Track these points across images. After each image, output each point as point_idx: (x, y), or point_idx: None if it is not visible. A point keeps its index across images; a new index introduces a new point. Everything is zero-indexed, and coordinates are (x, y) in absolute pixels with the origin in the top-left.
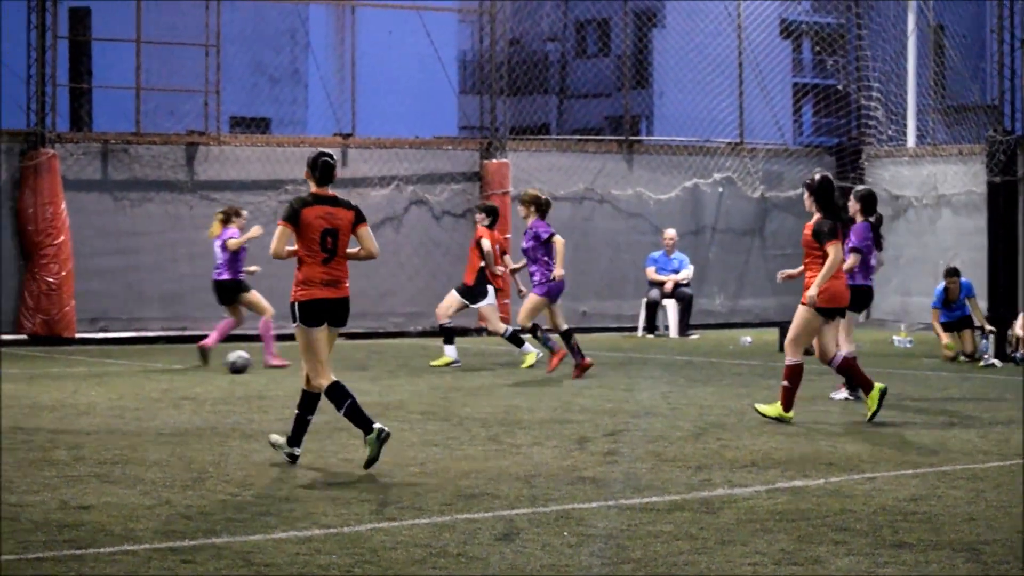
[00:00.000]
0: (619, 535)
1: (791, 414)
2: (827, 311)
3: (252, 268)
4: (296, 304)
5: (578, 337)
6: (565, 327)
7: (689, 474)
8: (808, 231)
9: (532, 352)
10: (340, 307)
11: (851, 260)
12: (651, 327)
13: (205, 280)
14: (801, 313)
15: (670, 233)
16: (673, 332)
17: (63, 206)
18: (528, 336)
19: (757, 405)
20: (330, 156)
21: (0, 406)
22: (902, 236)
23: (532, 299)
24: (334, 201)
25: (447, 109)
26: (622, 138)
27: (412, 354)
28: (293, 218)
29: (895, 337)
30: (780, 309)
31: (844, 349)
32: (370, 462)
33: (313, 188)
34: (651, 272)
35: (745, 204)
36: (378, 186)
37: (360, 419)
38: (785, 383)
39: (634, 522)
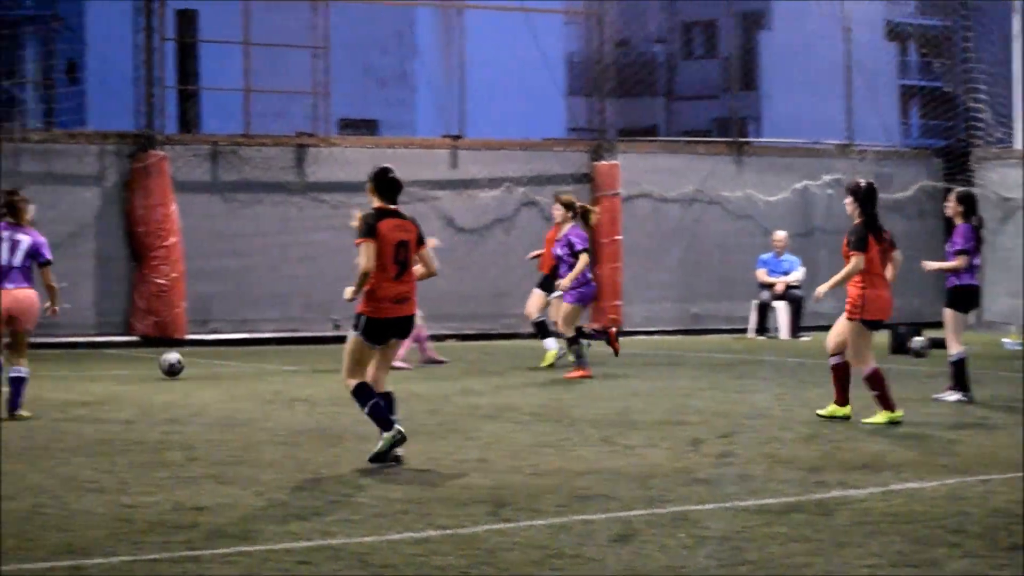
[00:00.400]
0: (735, 537)
1: (899, 412)
2: (872, 323)
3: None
4: (364, 318)
5: (688, 339)
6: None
7: (803, 476)
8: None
9: (554, 351)
10: (406, 323)
11: (958, 261)
12: (762, 329)
13: (315, 282)
14: (849, 328)
15: (780, 235)
16: (784, 334)
17: (173, 208)
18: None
19: (863, 420)
20: (394, 171)
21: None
22: (1011, 238)
23: (566, 308)
24: (401, 215)
25: (554, 111)
26: (732, 139)
27: (524, 356)
28: (373, 232)
29: (1005, 340)
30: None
31: (954, 350)
32: (376, 456)
33: (378, 203)
34: (762, 274)
35: None
36: (488, 188)
37: (380, 419)
38: (874, 394)
39: (749, 524)
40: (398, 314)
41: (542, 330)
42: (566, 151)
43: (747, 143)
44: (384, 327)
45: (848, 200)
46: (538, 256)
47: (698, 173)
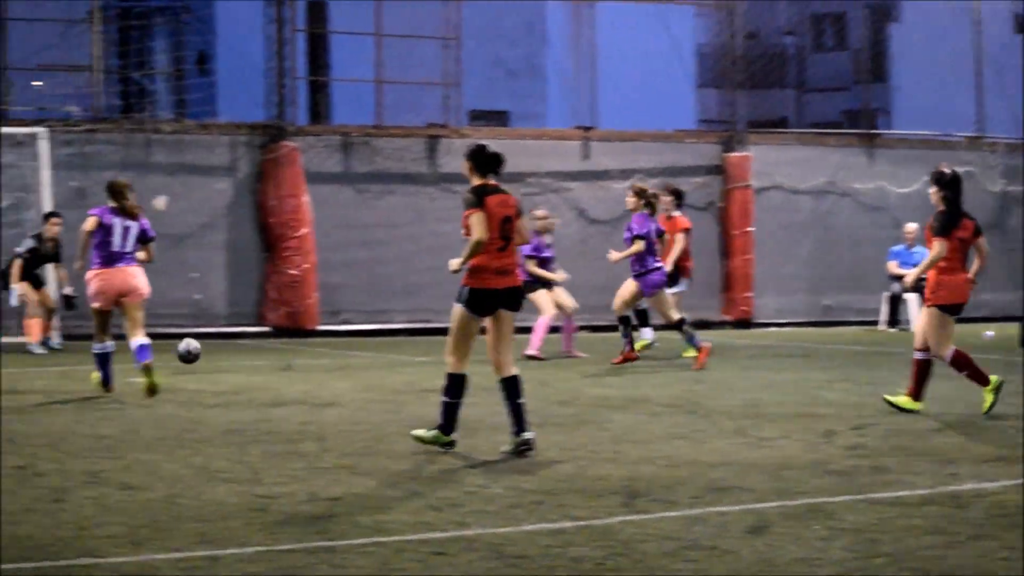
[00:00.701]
0: (869, 529)
1: (995, 378)
2: (950, 307)
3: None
4: (467, 289)
5: (820, 331)
6: (625, 314)
7: (936, 468)
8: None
9: (647, 340)
10: (513, 295)
11: None
12: (893, 321)
13: (446, 272)
14: (929, 314)
15: (911, 227)
16: (915, 326)
17: (305, 198)
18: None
19: (984, 409)
20: (490, 147)
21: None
22: None
23: (662, 294)
24: (502, 190)
25: (685, 102)
26: (863, 132)
27: (660, 347)
28: (481, 204)
29: None
30: (1022, 303)
31: None
32: (418, 438)
33: (477, 180)
34: (893, 266)
35: (985, 198)
36: (620, 179)
37: (449, 418)
38: (964, 374)
39: (884, 516)
40: (502, 285)
41: (641, 318)
42: (698, 143)
43: (878, 135)
44: (488, 297)
45: (932, 189)
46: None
47: (829, 165)
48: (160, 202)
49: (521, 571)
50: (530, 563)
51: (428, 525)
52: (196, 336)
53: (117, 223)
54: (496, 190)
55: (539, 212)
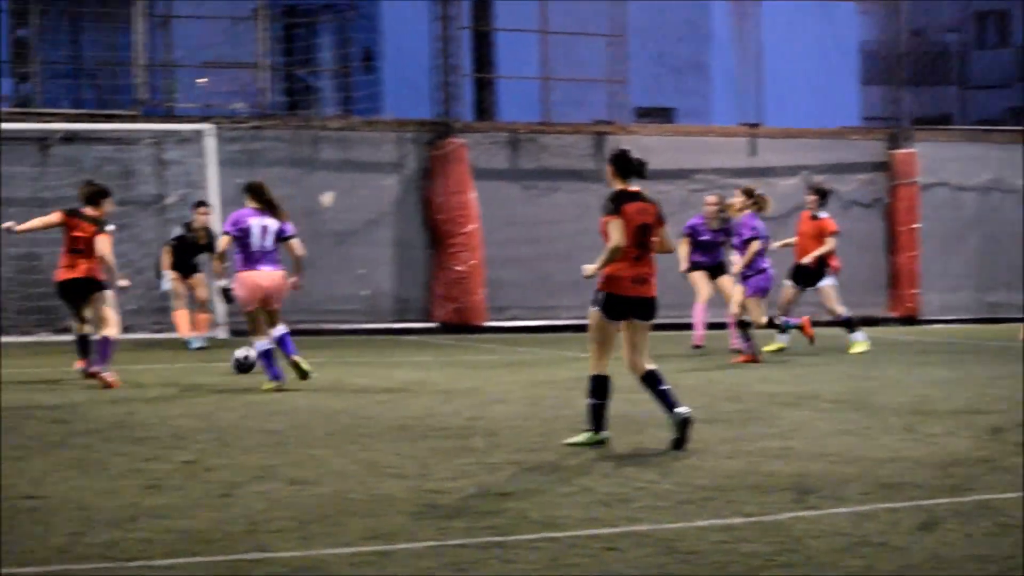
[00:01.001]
0: None
1: None
2: None
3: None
4: (603, 294)
5: (985, 328)
6: (743, 317)
7: None
8: None
9: (863, 342)
10: (646, 305)
11: None
12: None
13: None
14: None
15: None
16: None
17: (472, 195)
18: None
19: None
20: (632, 152)
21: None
22: None
23: (749, 301)
24: (643, 197)
25: (849, 99)
26: None
27: (827, 344)
28: (619, 211)
29: None
30: None
31: None
32: (573, 444)
33: (619, 185)
34: None
35: None
36: (786, 176)
37: (596, 418)
38: None
39: None
40: (637, 294)
41: (849, 323)
42: (863, 140)
43: None
44: (623, 304)
45: None
46: (789, 244)
47: (994, 162)
48: (327, 198)
49: (692, 567)
50: (701, 559)
51: (598, 520)
52: (363, 332)
53: (255, 224)
54: (636, 197)
55: (709, 198)
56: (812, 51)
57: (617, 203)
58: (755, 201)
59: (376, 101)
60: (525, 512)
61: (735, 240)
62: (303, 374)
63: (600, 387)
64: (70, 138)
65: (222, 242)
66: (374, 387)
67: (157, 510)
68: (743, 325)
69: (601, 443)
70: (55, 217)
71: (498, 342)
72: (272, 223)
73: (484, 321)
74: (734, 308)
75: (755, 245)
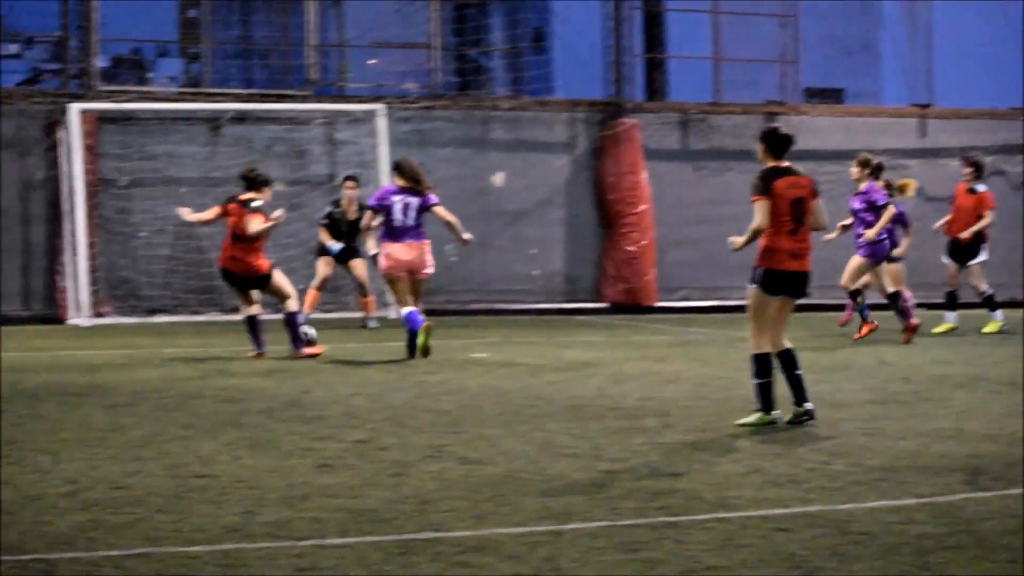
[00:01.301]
0: None
1: None
2: None
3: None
4: (761, 270)
5: None
6: (891, 290)
7: None
8: None
9: (997, 321)
10: (802, 280)
11: None
12: None
13: None
14: None
15: None
16: None
17: (644, 175)
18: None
19: None
20: (783, 129)
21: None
22: None
23: (855, 261)
24: (795, 172)
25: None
26: None
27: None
28: (768, 190)
29: None
30: None
31: None
32: (744, 425)
33: (770, 162)
34: None
35: None
36: (955, 157)
37: (764, 398)
38: None
39: None
40: (794, 268)
41: (949, 299)
42: None
43: None
44: (780, 279)
45: None
46: (947, 223)
47: None
48: (498, 179)
49: (863, 548)
50: (872, 540)
51: (770, 501)
52: (534, 312)
53: (397, 201)
54: (788, 172)
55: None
56: (983, 32)
57: (767, 181)
58: (871, 171)
59: (547, 81)
60: (697, 492)
61: (854, 205)
62: (425, 350)
63: (765, 366)
64: (241, 118)
65: (367, 217)
66: (546, 367)
67: (328, 489)
68: (856, 293)
69: (772, 423)
70: (214, 211)
71: (668, 322)
72: (414, 200)
73: (655, 302)
74: (888, 286)
75: (890, 210)
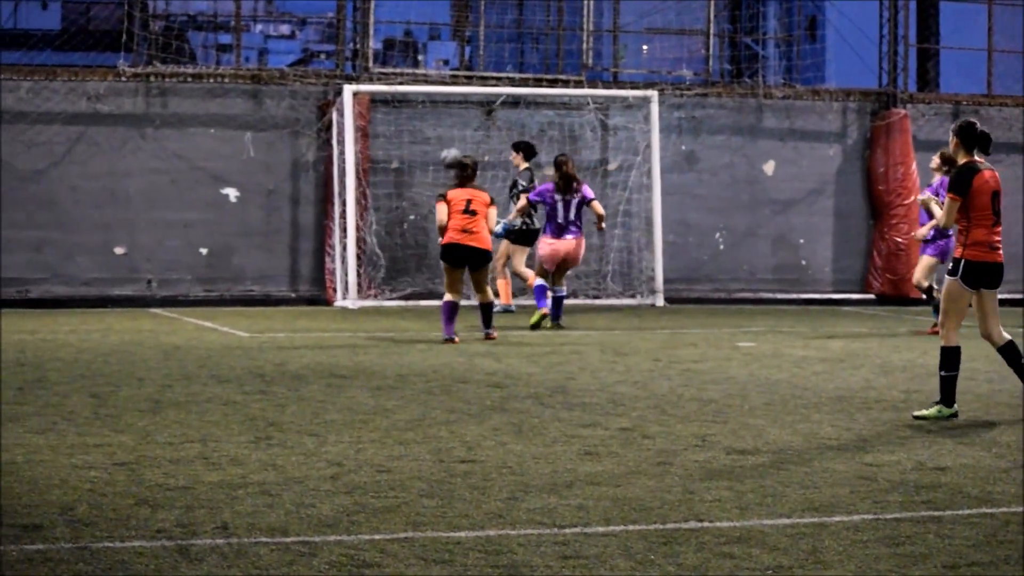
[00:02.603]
0: None
1: None
2: None
3: None
4: (962, 261)
5: None
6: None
7: None
8: None
9: None
10: (998, 271)
11: None
12: None
13: None
14: None
15: None
16: None
17: (914, 167)
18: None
19: None
20: (979, 124)
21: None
22: None
23: (924, 259)
24: (987, 165)
25: None
26: None
27: None
28: (966, 185)
29: None
30: None
31: None
32: (921, 417)
33: (964, 158)
34: None
35: None
36: None
37: (947, 391)
38: None
39: None
40: (992, 259)
41: None
42: None
43: None
44: (980, 272)
45: None
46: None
47: None
48: (768, 167)
49: None
50: None
51: None
52: (800, 302)
53: (559, 200)
54: (983, 167)
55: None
56: None
57: (965, 176)
58: (949, 169)
59: (819, 70)
60: (962, 487)
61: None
62: (534, 325)
63: (955, 359)
64: (514, 102)
65: (522, 202)
66: (811, 357)
67: (593, 476)
68: (929, 291)
69: (954, 415)
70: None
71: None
72: (573, 198)
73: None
74: (917, 276)
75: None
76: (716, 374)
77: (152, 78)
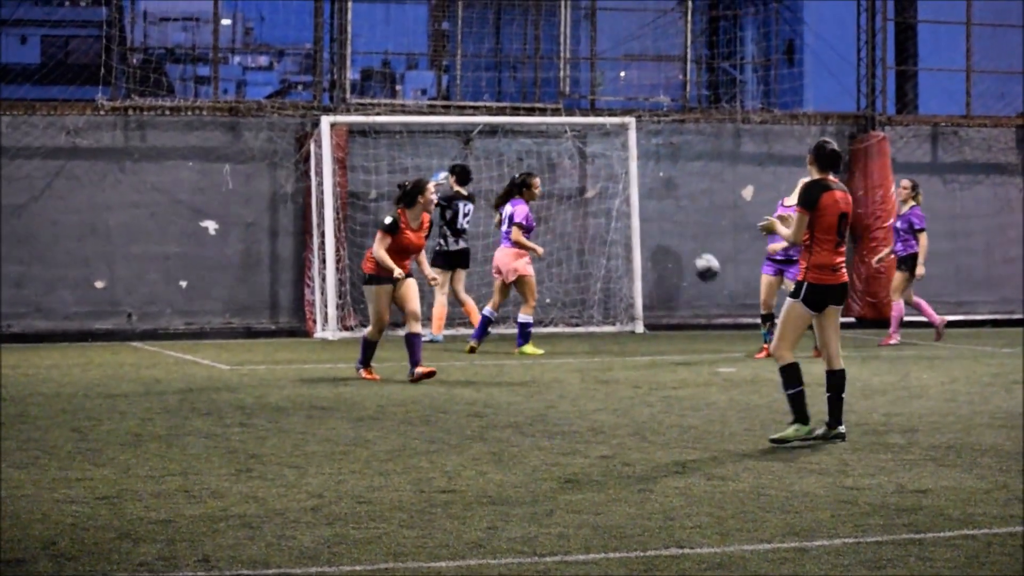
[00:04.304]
0: None
1: None
2: None
3: None
4: (806, 285)
5: None
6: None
7: None
8: None
9: None
10: (843, 291)
11: None
12: None
13: None
14: None
15: None
16: None
17: (893, 189)
18: None
19: None
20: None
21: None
22: None
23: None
24: (838, 186)
25: None
26: None
27: None
28: (812, 204)
29: None
30: None
31: None
32: (778, 440)
33: (817, 175)
34: None
35: None
36: None
37: (797, 409)
38: None
39: None
40: (835, 281)
41: None
42: None
43: None
44: (823, 294)
45: None
46: None
47: None
48: (747, 192)
49: None
50: None
51: (1016, 518)
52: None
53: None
54: (835, 186)
55: None
56: None
57: (815, 194)
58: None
59: (797, 94)
60: (943, 509)
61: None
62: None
63: (795, 375)
64: (492, 131)
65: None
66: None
67: (573, 504)
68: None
69: (811, 432)
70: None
71: (915, 336)
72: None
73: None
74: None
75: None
76: (696, 400)
77: (131, 111)
